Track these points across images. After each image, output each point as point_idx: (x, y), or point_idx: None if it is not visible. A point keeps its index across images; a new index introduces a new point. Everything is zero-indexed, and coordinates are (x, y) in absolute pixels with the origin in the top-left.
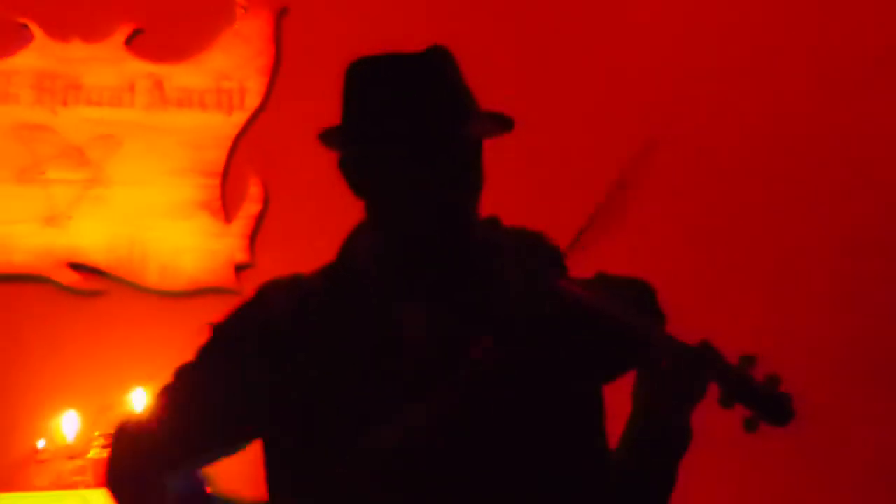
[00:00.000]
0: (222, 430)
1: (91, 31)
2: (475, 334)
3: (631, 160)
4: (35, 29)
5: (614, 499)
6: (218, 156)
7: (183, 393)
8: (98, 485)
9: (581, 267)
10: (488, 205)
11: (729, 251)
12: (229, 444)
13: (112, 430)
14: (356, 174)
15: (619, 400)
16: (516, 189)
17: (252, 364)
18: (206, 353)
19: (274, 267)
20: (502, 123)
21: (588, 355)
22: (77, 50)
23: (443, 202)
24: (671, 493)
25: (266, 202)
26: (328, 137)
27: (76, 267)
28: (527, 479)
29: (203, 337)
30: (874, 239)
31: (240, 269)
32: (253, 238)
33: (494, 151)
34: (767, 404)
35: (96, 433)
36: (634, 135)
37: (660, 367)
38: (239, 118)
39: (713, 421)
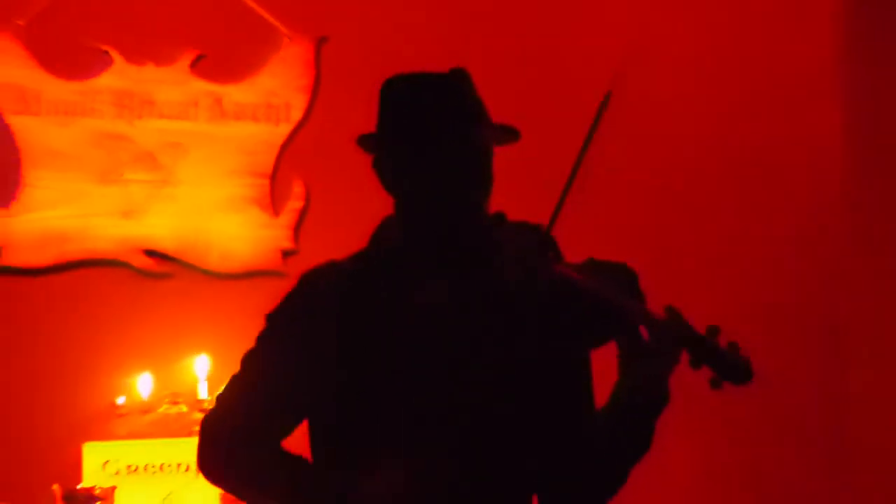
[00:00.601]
0: (284, 406)
1: (162, 56)
2: (487, 306)
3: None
4: (115, 55)
5: (602, 450)
6: (267, 160)
7: (247, 377)
8: (169, 435)
9: (570, 248)
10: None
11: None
12: (293, 418)
13: (178, 392)
14: (388, 173)
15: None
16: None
17: (299, 344)
18: (262, 339)
19: (315, 253)
20: (510, 133)
21: (577, 327)
22: (150, 72)
23: (460, 198)
24: (650, 446)
25: (307, 199)
26: (365, 141)
27: (149, 253)
28: (525, 431)
29: (254, 314)
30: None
31: (286, 254)
32: (297, 229)
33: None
34: (730, 366)
35: (166, 392)
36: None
37: (642, 339)
38: (284, 129)
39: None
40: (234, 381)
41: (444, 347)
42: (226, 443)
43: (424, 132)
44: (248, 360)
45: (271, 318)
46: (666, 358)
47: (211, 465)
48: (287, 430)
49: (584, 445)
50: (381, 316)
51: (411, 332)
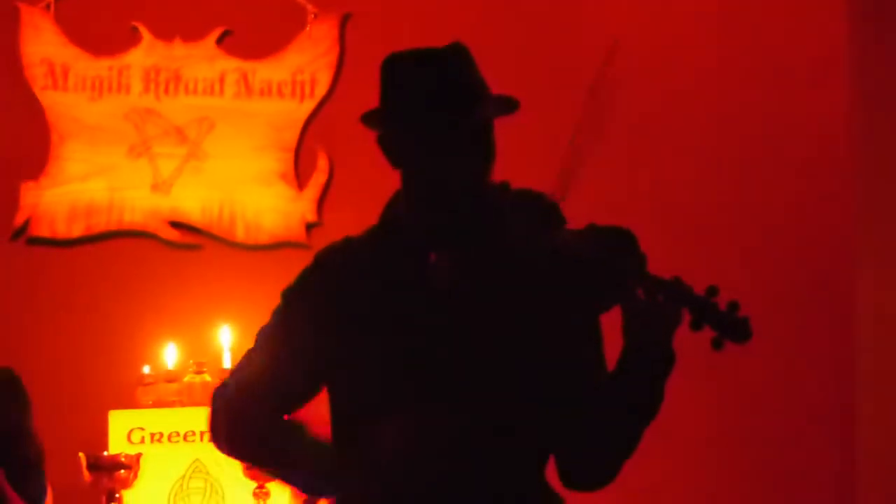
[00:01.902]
0: (296, 381)
1: (189, 33)
2: (492, 276)
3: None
4: (143, 31)
5: (612, 412)
6: (292, 135)
7: (262, 351)
8: (193, 404)
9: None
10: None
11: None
12: (304, 392)
13: (203, 361)
14: (392, 150)
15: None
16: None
17: (312, 320)
18: (276, 314)
19: (338, 225)
20: (507, 105)
21: (580, 292)
22: (178, 48)
23: (462, 171)
24: (660, 407)
25: (331, 172)
26: (369, 119)
27: (177, 225)
28: (535, 395)
29: (279, 285)
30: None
31: (310, 227)
32: (321, 202)
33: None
34: (730, 325)
35: (191, 362)
36: None
37: (642, 300)
38: (309, 104)
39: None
40: (248, 357)
41: (451, 319)
42: (238, 417)
43: (424, 107)
44: (263, 335)
45: (286, 295)
46: (666, 318)
47: (223, 437)
48: (298, 404)
49: (595, 408)
50: (390, 290)
51: (419, 305)
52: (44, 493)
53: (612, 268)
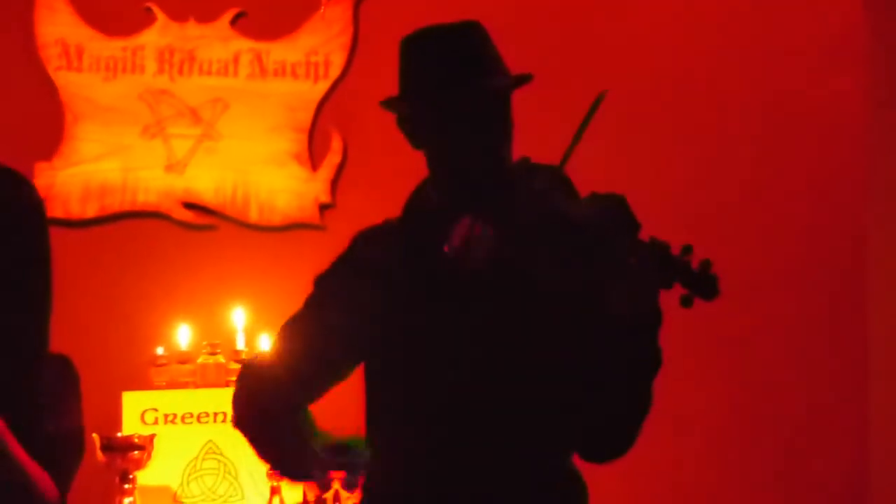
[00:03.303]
0: (328, 363)
1: (203, 14)
2: (507, 243)
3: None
4: (157, 12)
5: (613, 373)
6: (306, 116)
7: (295, 335)
8: (207, 385)
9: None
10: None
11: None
12: (335, 373)
13: (216, 342)
14: (411, 131)
15: None
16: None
17: (344, 307)
18: (310, 302)
19: (352, 206)
20: (518, 79)
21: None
22: (192, 29)
23: (480, 149)
24: (657, 364)
25: (345, 154)
26: (387, 104)
27: (190, 206)
28: (550, 375)
29: (292, 266)
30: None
31: (323, 208)
32: (334, 183)
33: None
34: (696, 280)
35: (204, 343)
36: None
37: (628, 263)
38: (323, 85)
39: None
40: (279, 339)
41: (472, 304)
42: (264, 404)
43: (437, 81)
44: (295, 321)
45: (319, 283)
46: (642, 274)
47: (247, 421)
48: (324, 390)
49: (596, 372)
50: (414, 276)
51: (441, 290)
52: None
53: (588, 227)
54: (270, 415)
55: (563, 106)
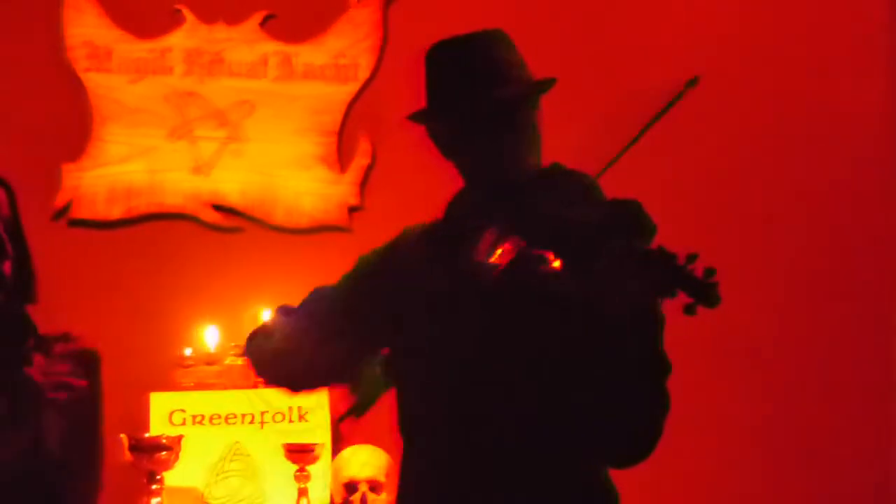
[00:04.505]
0: (347, 338)
1: (232, 16)
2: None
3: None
4: (187, 13)
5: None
6: (334, 118)
7: (320, 304)
8: (234, 386)
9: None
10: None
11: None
12: (357, 349)
13: (244, 344)
14: (436, 140)
15: None
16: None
17: (375, 291)
18: (346, 277)
19: (380, 209)
20: (535, 86)
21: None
22: (220, 31)
23: (494, 156)
24: (665, 367)
25: (373, 156)
26: (414, 118)
27: (218, 208)
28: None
29: (320, 268)
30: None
31: (352, 210)
32: (363, 185)
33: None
34: (703, 292)
35: (232, 344)
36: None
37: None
38: (352, 88)
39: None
40: (302, 306)
41: (492, 314)
42: (277, 370)
43: (456, 91)
44: (323, 291)
45: (359, 263)
46: (646, 280)
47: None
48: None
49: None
50: (440, 280)
51: (463, 295)
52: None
53: (599, 235)
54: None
55: (591, 109)
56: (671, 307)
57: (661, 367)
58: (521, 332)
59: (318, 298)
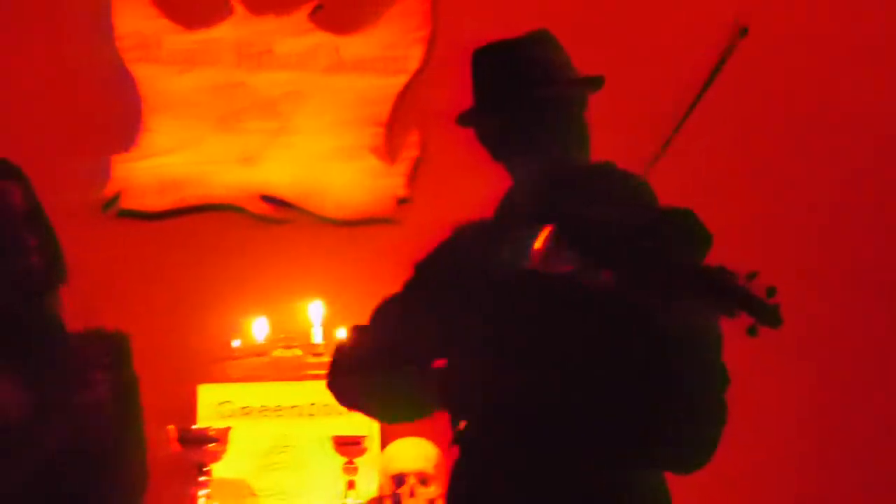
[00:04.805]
0: (420, 346)
1: (281, 6)
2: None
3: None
4: (236, 4)
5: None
6: (383, 110)
7: (388, 317)
8: (282, 378)
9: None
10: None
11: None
12: (424, 359)
13: (292, 336)
14: (488, 143)
15: None
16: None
17: (442, 293)
18: (409, 286)
19: (429, 201)
20: (586, 85)
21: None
22: (270, 22)
23: (549, 155)
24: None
25: (423, 148)
26: (463, 120)
27: (266, 199)
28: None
29: (369, 260)
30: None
31: (400, 202)
32: (412, 177)
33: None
34: (766, 313)
35: (280, 336)
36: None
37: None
38: (401, 79)
39: None
40: (374, 321)
41: (544, 310)
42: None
43: (499, 95)
44: (391, 303)
45: (419, 268)
46: (707, 301)
47: (342, 394)
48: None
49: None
50: (494, 279)
51: (515, 295)
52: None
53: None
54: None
55: (638, 103)
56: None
57: (721, 380)
58: (578, 334)
59: (386, 313)
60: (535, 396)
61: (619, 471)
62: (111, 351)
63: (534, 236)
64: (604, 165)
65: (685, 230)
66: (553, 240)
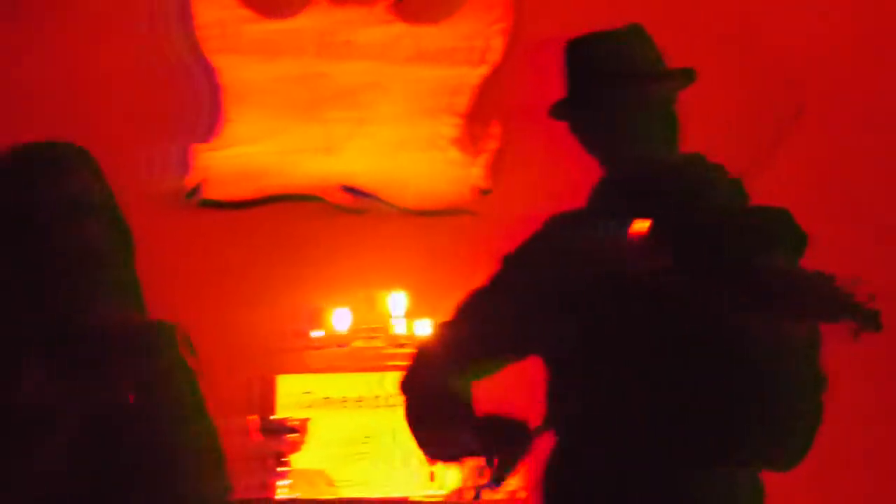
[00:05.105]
0: (510, 341)
1: None
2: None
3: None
4: None
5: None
6: (464, 101)
7: (478, 311)
8: (362, 369)
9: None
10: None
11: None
12: (515, 353)
13: (373, 327)
14: (578, 135)
15: None
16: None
17: (535, 286)
18: (499, 279)
19: (510, 192)
20: (678, 79)
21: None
22: (352, 13)
23: (640, 148)
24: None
25: (504, 139)
26: (556, 112)
27: (347, 189)
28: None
29: (449, 251)
30: None
31: (481, 193)
32: (493, 169)
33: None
34: (869, 319)
35: (361, 327)
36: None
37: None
38: (482, 70)
39: None
40: (460, 315)
41: (640, 306)
42: (422, 389)
43: (594, 90)
44: (478, 297)
45: (509, 261)
46: (810, 307)
47: (412, 387)
48: (497, 366)
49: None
50: (586, 273)
51: (609, 291)
52: None
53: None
54: (425, 396)
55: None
56: None
57: (819, 383)
58: (676, 334)
59: (476, 306)
60: (633, 395)
61: (718, 469)
62: (145, 342)
63: (630, 230)
64: (694, 157)
65: (782, 229)
66: (651, 235)
